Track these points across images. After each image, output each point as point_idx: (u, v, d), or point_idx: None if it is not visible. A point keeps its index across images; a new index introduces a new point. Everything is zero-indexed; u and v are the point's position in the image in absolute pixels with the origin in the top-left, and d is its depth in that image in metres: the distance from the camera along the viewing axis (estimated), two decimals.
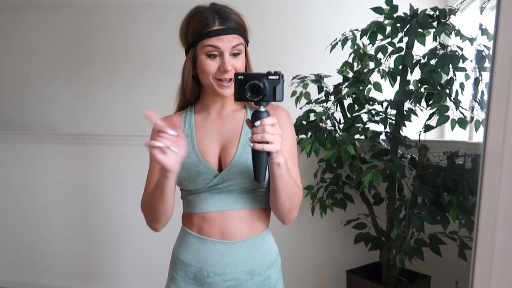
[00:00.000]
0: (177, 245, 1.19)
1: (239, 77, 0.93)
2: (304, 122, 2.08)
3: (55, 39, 3.59)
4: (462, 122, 1.71)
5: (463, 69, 1.79)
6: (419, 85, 1.89)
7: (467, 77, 1.88)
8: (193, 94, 1.16)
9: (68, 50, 3.55)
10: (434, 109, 1.79)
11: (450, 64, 1.81)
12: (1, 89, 3.54)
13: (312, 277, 2.52)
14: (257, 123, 0.90)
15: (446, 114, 1.69)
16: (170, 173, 0.96)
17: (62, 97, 3.43)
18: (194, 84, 1.14)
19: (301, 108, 2.14)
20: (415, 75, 2.01)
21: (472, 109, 1.85)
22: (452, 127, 1.68)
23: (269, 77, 0.92)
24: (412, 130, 2.06)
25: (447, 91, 1.82)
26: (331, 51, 2.05)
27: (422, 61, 1.95)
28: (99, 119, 3.26)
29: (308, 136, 2.06)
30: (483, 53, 1.79)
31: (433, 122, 1.84)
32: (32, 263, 2.91)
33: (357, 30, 2.01)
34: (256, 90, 0.91)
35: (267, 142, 0.90)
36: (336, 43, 2.07)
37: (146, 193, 1.14)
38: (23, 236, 2.91)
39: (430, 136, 2.43)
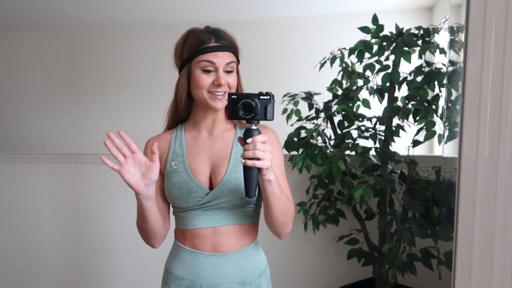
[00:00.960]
0: (170, 259, 1.21)
1: (232, 96, 0.98)
2: (295, 139, 2.11)
3: (47, 59, 3.62)
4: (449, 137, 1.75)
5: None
6: (407, 101, 1.93)
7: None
8: (186, 110, 1.19)
9: (60, 70, 3.57)
10: (422, 125, 1.83)
11: (436, 81, 1.86)
12: None
13: None
14: (249, 140, 0.95)
15: (433, 129, 1.73)
16: (140, 195, 1.03)
17: (53, 117, 3.43)
18: (187, 99, 1.17)
19: (292, 125, 2.17)
20: (403, 91, 2.06)
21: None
22: (439, 142, 1.71)
23: (261, 97, 0.97)
24: (401, 145, 2.10)
25: (434, 107, 1.87)
26: (320, 69, 2.10)
27: (409, 78, 2.00)
28: (90, 138, 3.26)
29: (300, 152, 2.09)
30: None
31: (420, 137, 1.88)
32: (23, 285, 2.86)
33: (345, 49, 2.06)
34: (248, 108, 0.96)
35: (258, 159, 0.95)
36: (325, 62, 2.12)
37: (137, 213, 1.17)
38: (14, 258, 2.87)
39: (419, 151, 2.47)
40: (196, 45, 1.10)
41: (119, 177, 1.02)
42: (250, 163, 0.95)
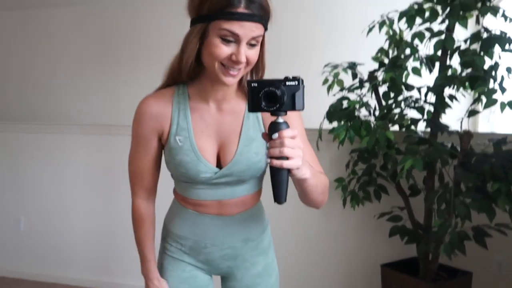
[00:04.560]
0: (171, 218, 1.15)
1: (252, 84, 0.81)
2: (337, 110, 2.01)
3: (80, 34, 3.61)
4: None
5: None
6: (462, 69, 1.80)
7: None
8: (191, 74, 1.01)
9: (92, 46, 3.56)
10: (478, 95, 1.70)
11: (495, 47, 1.73)
12: (27, 84, 3.57)
13: (343, 272, 2.43)
14: (275, 135, 0.79)
15: (494, 97, 1.60)
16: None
17: (86, 91, 3.43)
18: (194, 63, 0.98)
19: (334, 95, 2.07)
20: (454, 62, 1.93)
21: None
22: (502, 109, 1.58)
23: (287, 83, 0.80)
24: (450, 118, 1.97)
25: (493, 74, 1.73)
26: (367, 33, 1.99)
27: (463, 46, 1.86)
28: (123, 112, 3.25)
29: (342, 123, 1.99)
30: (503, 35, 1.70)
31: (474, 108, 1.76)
32: (56, 254, 2.89)
33: (396, 11, 1.94)
34: (272, 98, 0.80)
35: (287, 158, 0.79)
36: (373, 26, 2.00)
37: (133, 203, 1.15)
38: (48, 227, 2.90)
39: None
40: (222, 5, 0.88)
41: None
42: (277, 163, 0.79)
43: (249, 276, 1.14)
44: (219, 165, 1.04)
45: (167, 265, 1.13)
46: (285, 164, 0.79)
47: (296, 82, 0.80)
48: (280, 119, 0.81)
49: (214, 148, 1.04)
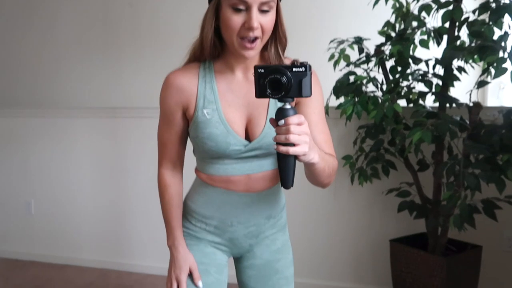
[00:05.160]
0: (194, 197, 1.13)
1: (259, 70, 0.80)
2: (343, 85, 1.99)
3: (82, 19, 3.59)
4: None
5: None
6: (470, 40, 1.77)
7: None
8: (213, 52, 1.01)
9: (95, 30, 3.54)
10: (487, 66, 1.67)
11: (504, 17, 1.69)
12: (28, 69, 3.57)
13: (352, 247, 2.43)
14: (281, 122, 0.79)
15: (504, 66, 1.57)
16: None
17: (89, 75, 3.42)
18: (215, 39, 0.99)
19: (340, 70, 2.04)
20: (462, 34, 1.89)
21: None
22: None
23: (294, 69, 0.79)
24: (458, 91, 1.95)
25: (502, 44, 1.69)
26: (373, 6, 1.95)
27: (471, 17, 1.83)
28: (127, 94, 3.24)
29: (349, 98, 1.97)
30: None
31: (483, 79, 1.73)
32: (66, 237, 2.93)
33: None
34: (277, 86, 0.79)
35: (293, 145, 0.79)
36: None
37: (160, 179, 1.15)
38: (58, 210, 2.94)
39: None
40: None
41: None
42: (283, 149, 0.79)
43: (270, 252, 1.15)
44: (247, 137, 1.04)
45: (189, 241, 1.13)
46: (291, 150, 0.79)
47: (303, 68, 0.79)
48: (287, 105, 0.80)
49: (243, 121, 1.04)
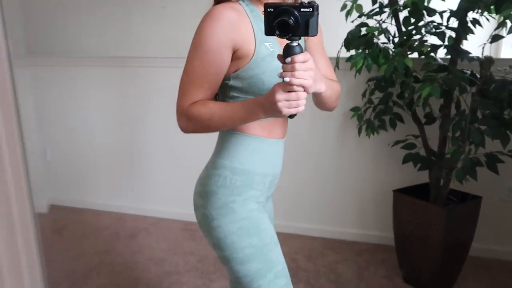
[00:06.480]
0: (250, 159, 1.05)
1: (268, 9, 0.83)
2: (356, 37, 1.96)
3: None
4: None
5: None
6: None
7: None
8: None
9: None
10: (503, 19, 1.64)
11: None
12: (36, 18, 3.51)
13: (356, 196, 2.53)
14: (288, 59, 0.84)
15: None
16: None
17: (98, 25, 3.37)
18: None
19: (352, 22, 2.01)
20: None
21: None
22: None
23: (302, 9, 0.82)
24: (471, 45, 1.92)
25: None
26: None
27: None
28: (135, 43, 3.22)
29: (360, 51, 1.95)
30: None
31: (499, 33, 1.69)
32: (82, 182, 3.06)
33: None
34: (285, 27, 0.82)
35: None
36: None
37: (198, 110, 0.97)
38: (73, 156, 3.04)
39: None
40: None
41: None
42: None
43: (270, 206, 1.21)
44: None
45: (257, 212, 1.06)
46: (296, 82, 0.84)
47: (311, 9, 0.82)
48: (294, 43, 0.85)
49: None
